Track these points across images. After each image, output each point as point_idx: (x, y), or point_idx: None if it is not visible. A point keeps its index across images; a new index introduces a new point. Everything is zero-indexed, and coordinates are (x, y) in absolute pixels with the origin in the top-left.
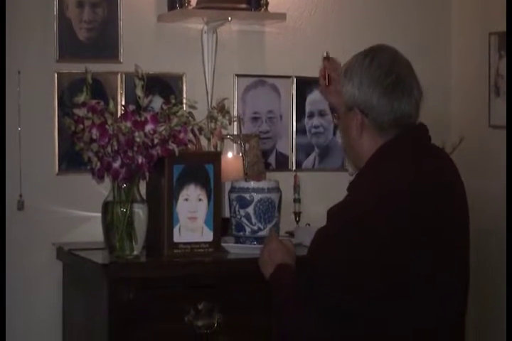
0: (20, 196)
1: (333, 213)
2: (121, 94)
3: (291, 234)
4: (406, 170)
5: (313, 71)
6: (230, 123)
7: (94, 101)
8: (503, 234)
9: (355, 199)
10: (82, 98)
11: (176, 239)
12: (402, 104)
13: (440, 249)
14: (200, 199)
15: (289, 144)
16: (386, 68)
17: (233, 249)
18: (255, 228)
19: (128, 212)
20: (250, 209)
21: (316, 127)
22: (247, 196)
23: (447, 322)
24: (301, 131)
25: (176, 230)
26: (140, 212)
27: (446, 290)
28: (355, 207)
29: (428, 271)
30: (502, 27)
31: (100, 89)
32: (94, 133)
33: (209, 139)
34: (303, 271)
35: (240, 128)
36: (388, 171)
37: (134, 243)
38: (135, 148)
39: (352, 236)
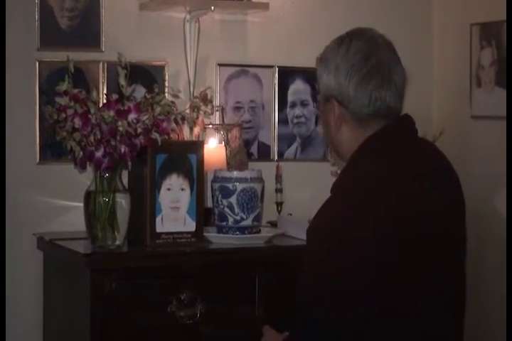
0: None
1: (315, 233)
2: (103, 83)
3: (273, 224)
4: (391, 170)
5: (295, 61)
6: (212, 113)
7: (76, 90)
8: (483, 227)
9: (339, 211)
10: (64, 87)
11: (159, 228)
12: (382, 94)
13: (434, 250)
14: (182, 189)
15: (271, 134)
16: (365, 53)
17: (216, 238)
18: (238, 218)
19: (110, 202)
20: (233, 199)
21: (298, 117)
22: (229, 186)
23: (447, 325)
24: (283, 120)
25: (158, 220)
26: (122, 201)
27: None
28: (341, 223)
29: (423, 272)
30: (483, 18)
31: (82, 78)
32: (77, 122)
33: (191, 128)
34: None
35: (222, 118)
36: (373, 171)
37: (116, 233)
38: (118, 138)
39: (345, 259)
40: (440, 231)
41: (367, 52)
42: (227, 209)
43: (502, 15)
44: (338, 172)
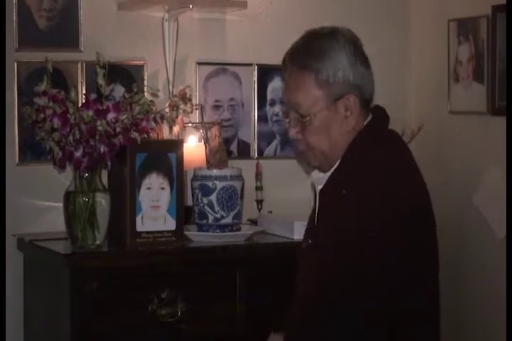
0: None
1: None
2: (81, 83)
3: (253, 222)
4: (401, 157)
5: (274, 59)
6: (191, 112)
7: (55, 91)
8: (463, 223)
9: (377, 205)
10: (42, 87)
11: (139, 228)
12: (371, 77)
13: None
14: (162, 188)
15: (250, 132)
16: (354, 40)
17: (196, 237)
18: (218, 216)
19: (90, 202)
20: (213, 197)
21: (277, 115)
22: (209, 184)
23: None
24: (262, 118)
25: (138, 219)
26: (102, 201)
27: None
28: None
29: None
30: (461, 14)
31: (61, 78)
32: (56, 122)
33: (171, 127)
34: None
35: (201, 116)
36: (387, 159)
37: (96, 232)
38: (97, 137)
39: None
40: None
41: (354, 39)
42: (207, 208)
43: (479, 10)
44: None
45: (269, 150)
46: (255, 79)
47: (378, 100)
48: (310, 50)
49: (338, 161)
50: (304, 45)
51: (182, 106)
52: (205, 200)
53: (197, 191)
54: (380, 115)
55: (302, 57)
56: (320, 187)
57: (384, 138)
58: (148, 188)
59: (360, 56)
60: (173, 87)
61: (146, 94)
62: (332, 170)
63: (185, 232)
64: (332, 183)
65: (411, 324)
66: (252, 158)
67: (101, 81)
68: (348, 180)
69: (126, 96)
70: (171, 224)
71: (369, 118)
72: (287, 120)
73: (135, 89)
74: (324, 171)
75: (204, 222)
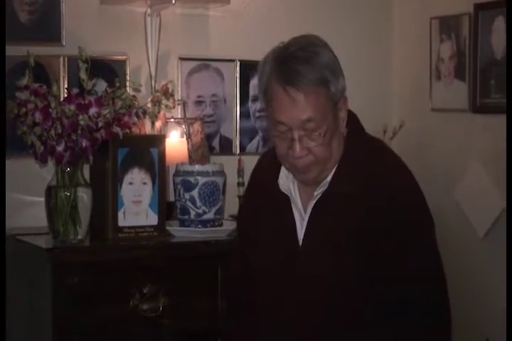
0: None
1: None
2: (63, 77)
3: (235, 218)
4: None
5: (257, 55)
6: (173, 107)
7: (36, 85)
8: (444, 220)
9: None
10: (24, 81)
11: (121, 222)
12: None
13: None
14: (144, 183)
15: (232, 128)
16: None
17: (178, 232)
18: (200, 211)
19: (72, 196)
20: (195, 193)
21: (259, 111)
22: (191, 179)
23: None
24: (245, 114)
25: (120, 214)
26: (84, 196)
27: None
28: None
29: None
30: (443, 11)
31: (42, 73)
32: (38, 116)
33: (153, 122)
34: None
35: (184, 112)
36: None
37: (78, 227)
38: (79, 132)
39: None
40: None
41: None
42: (189, 203)
43: (461, 8)
44: None
45: (251, 147)
46: (238, 75)
47: (360, 98)
48: (324, 63)
49: (335, 167)
50: (313, 59)
51: (164, 101)
52: (187, 196)
53: (179, 186)
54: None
55: (318, 72)
56: (319, 192)
57: (368, 135)
58: (131, 183)
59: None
60: (155, 82)
61: (128, 89)
62: (330, 177)
63: (167, 227)
64: (343, 185)
65: None
66: (234, 154)
67: (83, 75)
68: (364, 180)
69: (109, 90)
70: (152, 219)
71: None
72: (286, 137)
73: (117, 84)
74: (316, 183)
75: (186, 217)
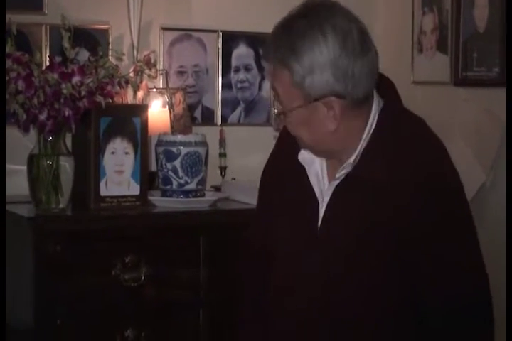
0: None
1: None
2: (45, 46)
3: (217, 189)
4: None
5: (239, 25)
6: (156, 77)
7: (19, 53)
8: None
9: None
10: (6, 49)
11: (103, 192)
12: (374, 62)
13: None
14: (126, 153)
15: (214, 98)
16: (350, 30)
17: (160, 202)
18: (182, 181)
19: (54, 165)
20: (177, 163)
21: (241, 82)
22: (174, 149)
23: None
24: (226, 85)
25: (102, 183)
26: (66, 165)
27: None
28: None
29: None
30: None
31: (24, 41)
32: (20, 84)
33: (135, 92)
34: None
35: (166, 82)
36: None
37: (60, 196)
38: (62, 100)
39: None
40: None
41: (347, 27)
42: (171, 173)
43: None
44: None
45: (233, 117)
46: (220, 45)
47: None
48: (292, 43)
49: (359, 148)
50: (289, 34)
51: (146, 71)
52: (169, 166)
53: (161, 156)
54: (390, 99)
55: (283, 50)
56: (341, 174)
57: (407, 113)
58: (113, 153)
59: (353, 47)
60: (137, 52)
61: (110, 58)
62: (352, 158)
63: (149, 197)
64: (367, 170)
65: None
66: (216, 125)
67: (66, 44)
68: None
69: (92, 59)
70: (134, 189)
71: (381, 104)
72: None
73: (100, 53)
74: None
75: (168, 187)
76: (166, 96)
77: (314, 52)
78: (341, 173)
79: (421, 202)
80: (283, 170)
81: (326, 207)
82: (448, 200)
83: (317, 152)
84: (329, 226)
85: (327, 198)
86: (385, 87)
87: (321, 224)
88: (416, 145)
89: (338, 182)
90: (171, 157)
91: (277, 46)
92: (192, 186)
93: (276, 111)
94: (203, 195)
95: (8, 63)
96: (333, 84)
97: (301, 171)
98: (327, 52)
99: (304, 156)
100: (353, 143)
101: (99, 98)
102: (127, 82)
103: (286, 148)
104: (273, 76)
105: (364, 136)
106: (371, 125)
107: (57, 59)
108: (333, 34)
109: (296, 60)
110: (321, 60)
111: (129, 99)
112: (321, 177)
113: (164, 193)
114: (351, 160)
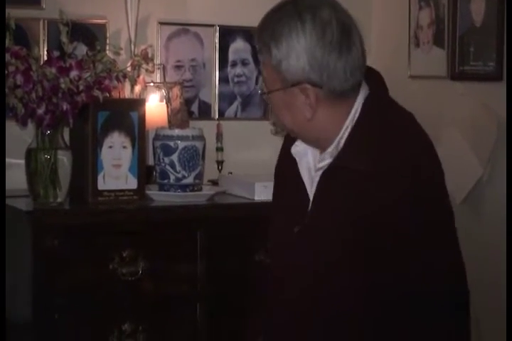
0: None
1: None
2: (43, 40)
3: (214, 183)
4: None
5: (236, 20)
6: (153, 71)
7: (17, 47)
8: None
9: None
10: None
11: (101, 186)
12: (355, 59)
13: None
14: (124, 147)
15: (211, 93)
16: (325, 20)
17: (157, 196)
18: (179, 176)
19: (52, 159)
20: (175, 157)
21: (238, 76)
22: (171, 144)
23: None
24: (223, 79)
25: (100, 178)
26: (64, 159)
27: None
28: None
29: None
30: None
31: (22, 36)
32: (19, 78)
33: (133, 86)
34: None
35: (163, 76)
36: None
37: (57, 190)
38: (60, 95)
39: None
40: None
41: (327, 17)
42: (168, 167)
43: None
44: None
45: (229, 112)
46: (217, 40)
47: None
48: (273, 29)
49: (337, 138)
50: (272, 18)
51: (144, 65)
52: (166, 160)
53: (158, 151)
54: (376, 89)
55: (266, 33)
56: (323, 164)
57: (392, 104)
58: (110, 147)
59: (331, 39)
60: (134, 46)
61: (108, 52)
62: (330, 148)
63: (147, 191)
64: (349, 160)
65: None
66: (213, 119)
67: (64, 38)
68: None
69: (89, 54)
70: (132, 183)
71: (366, 93)
72: None
73: (98, 47)
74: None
75: (165, 181)
76: (163, 91)
77: (292, 39)
78: (323, 163)
79: (403, 195)
80: (284, 164)
81: (313, 198)
82: (430, 195)
83: (304, 140)
84: (315, 217)
85: (313, 189)
86: (373, 79)
87: (309, 215)
88: (401, 137)
89: (320, 172)
90: (168, 151)
91: (261, 29)
92: (189, 180)
93: (260, 91)
94: (201, 189)
95: (7, 57)
96: (308, 72)
97: (295, 164)
98: (304, 40)
99: (297, 149)
100: (335, 133)
101: (96, 92)
102: (125, 76)
103: (287, 143)
104: (260, 57)
105: (345, 126)
106: (353, 115)
107: (55, 53)
108: (311, 24)
109: (275, 45)
110: (297, 47)
111: (127, 93)
112: (312, 169)
113: (162, 187)
114: (330, 149)
